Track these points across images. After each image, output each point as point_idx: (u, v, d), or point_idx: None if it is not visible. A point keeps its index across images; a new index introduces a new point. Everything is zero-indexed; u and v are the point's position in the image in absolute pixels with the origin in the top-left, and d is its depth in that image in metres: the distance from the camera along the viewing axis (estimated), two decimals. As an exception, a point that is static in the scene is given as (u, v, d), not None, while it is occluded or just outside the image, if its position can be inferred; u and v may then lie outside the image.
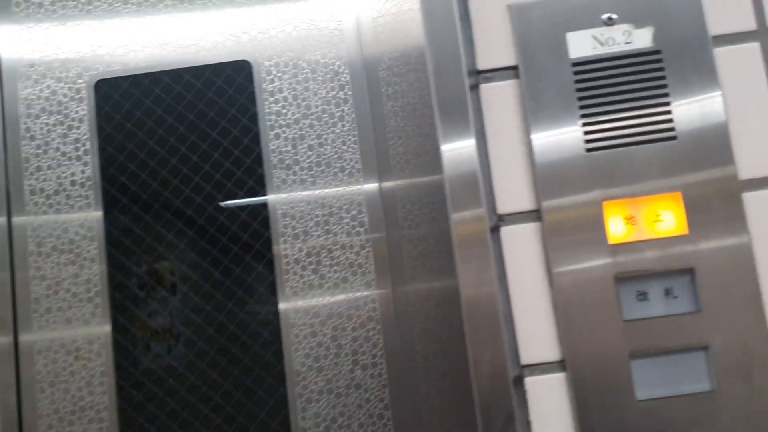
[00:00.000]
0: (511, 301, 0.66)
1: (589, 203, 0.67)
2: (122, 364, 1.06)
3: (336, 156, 1.18)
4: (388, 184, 1.05)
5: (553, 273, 0.66)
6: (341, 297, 1.14)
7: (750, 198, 0.66)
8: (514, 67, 0.69)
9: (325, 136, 1.22)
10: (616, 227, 0.66)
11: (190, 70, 1.19)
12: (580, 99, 0.68)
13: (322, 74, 1.21)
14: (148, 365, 1.13)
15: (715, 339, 0.64)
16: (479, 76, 0.69)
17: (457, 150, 0.67)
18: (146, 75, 1.15)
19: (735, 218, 0.66)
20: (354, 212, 1.12)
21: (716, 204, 0.66)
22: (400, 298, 1.09)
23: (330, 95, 1.20)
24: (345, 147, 1.19)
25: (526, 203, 0.68)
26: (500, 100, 0.69)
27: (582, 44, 0.68)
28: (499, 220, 0.68)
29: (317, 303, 1.15)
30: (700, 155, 0.67)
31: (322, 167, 1.19)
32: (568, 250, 0.66)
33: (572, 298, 0.66)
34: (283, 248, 1.18)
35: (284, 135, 1.24)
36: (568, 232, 0.67)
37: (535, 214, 0.68)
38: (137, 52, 1.06)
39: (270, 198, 1.20)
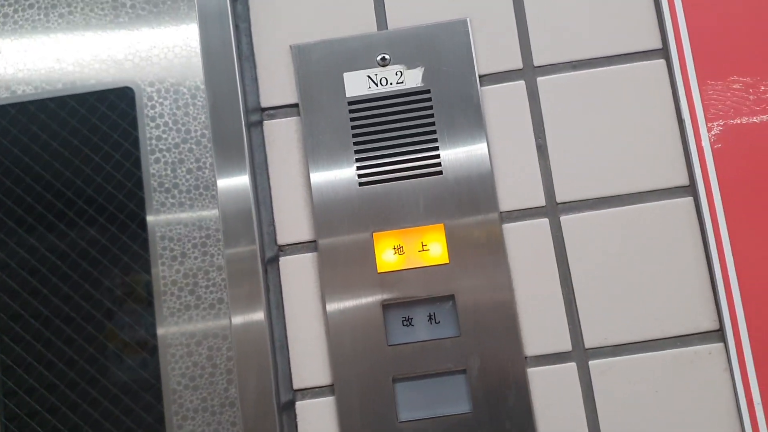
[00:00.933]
0: (287, 327, 0.70)
1: (360, 234, 0.70)
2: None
3: (214, 179, 1.22)
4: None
5: (327, 300, 0.70)
6: (217, 318, 1.17)
7: (509, 229, 0.70)
8: (295, 105, 0.73)
9: (203, 160, 1.25)
10: (385, 257, 0.70)
11: (75, 97, 1.21)
12: (355, 136, 0.72)
13: (201, 100, 1.24)
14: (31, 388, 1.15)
15: (473, 362, 0.68)
16: (263, 113, 0.73)
17: (232, 185, 0.71)
18: (32, 102, 1.17)
19: (495, 247, 0.69)
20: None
21: (477, 234, 0.70)
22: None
23: (209, 120, 1.23)
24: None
25: (304, 234, 0.72)
26: (282, 136, 0.73)
27: (358, 84, 0.72)
28: (279, 251, 0.71)
29: (193, 324, 1.18)
30: (463, 189, 0.70)
31: (201, 190, 1.22)
32: (341, 278, 0.70)
33: (343, 325, 0.69)
34: (161, 270, 1.21)
35: (164, 159, 1.27)
36: (341, 262, 0.70)
37: (313, 245, 0.71)
38: (24, 78, 1.09)
39: (149, 219, 1.22)
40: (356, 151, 0.72)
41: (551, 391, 0.67)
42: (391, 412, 0.68)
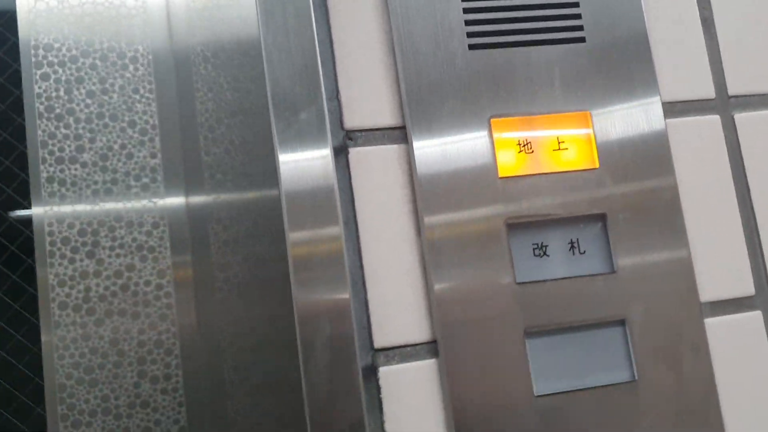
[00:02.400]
0: (362, 256, 0.44)
1: (471, 119, 0.47)
2: None
3: (125, 107, 0.92)
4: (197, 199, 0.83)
5: (423, 216, 0.45)
6: (125, 289, 0.87)
7: (674, 125, 0.49)
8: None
9: (110, 80, 0.97)
10: (507, 156, 0.47)
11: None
12: (463, -22, 0.48)
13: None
14: None
15: (635, 309, 0.46)
16: None
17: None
18: None
19: (658, 146, 0.48)
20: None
21: (635, 128, 0.48)
22: (204, 294, 0.85)
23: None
24: (137, 96, 0.94)
25: (386, 116, 0.47)
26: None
27: None
28: (347, 138, 0.46)
29: (92, 297, 0.88)
30: (614, 65, 0.49)
31: (106, 120, 0.93)
32: (444, 183, 0.46)
33: (448, 252, 0.45)
34: (48, 223, 0.89)
35: (55, 75, 0.97)
36: (444, 159, 0.46)
37: (400, 133, 0.47)
38: None
39: (31, 153, 0.91)
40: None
41: (735, 349, 0.47)
42: (524, 381, 0.44)
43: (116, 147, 0.92)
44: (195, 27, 0.79)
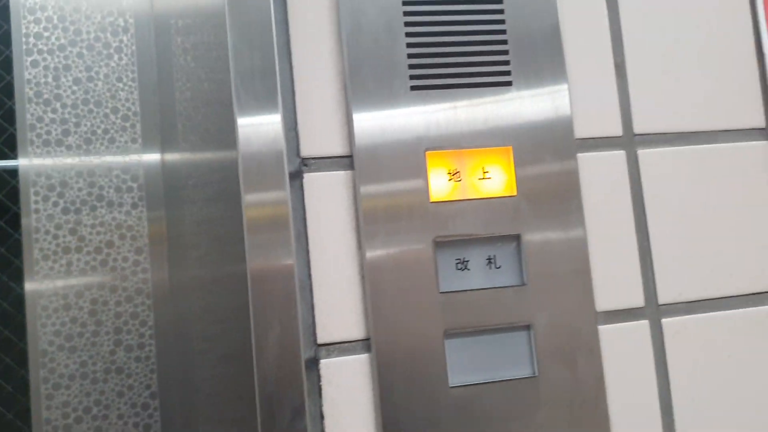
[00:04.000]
0: (311, 265, 0.53)
1: (408, 152, 0.55)
2: None
3: (109, 94, 0.99)
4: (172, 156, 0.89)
5: (363, 233, 0.53)
6: (104, 264, 0.95)
7: (584, 159, 0.58)
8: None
9: (96, 69, 1.03)
10: (439, 182, 0.55)
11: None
12: (408, 35, 0.56)
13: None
14: None
15: (539, 317, 0.55)
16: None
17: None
18: None
19: (568, 177, 0.57)
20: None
21: (549, 161, 0.57)
22: (178, 269, 0.92)
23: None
24: (121, 84, 1.00)
25: (336, 147, 0.54)
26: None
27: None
28: (303, 165, 0.54)
29: (74, 271, 0.95)
30: (536, 105, 0.57)
31: (90, 106, 0.99)
32: (383, 205, 0.54)
33: (384, 265, 0.53)
34: (34, 202, 0.96)
35: (44, 63, 1.03)
36: (384, 182, 0.54)
37: (347, 161, 0.55)
38: None
39: (20, 137, 0.97)
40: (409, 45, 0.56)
41: (623, 352, 0.57)
42: (441, 374, 0.53)
43: (99, 131, 0.98)
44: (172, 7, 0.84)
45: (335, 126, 0.54)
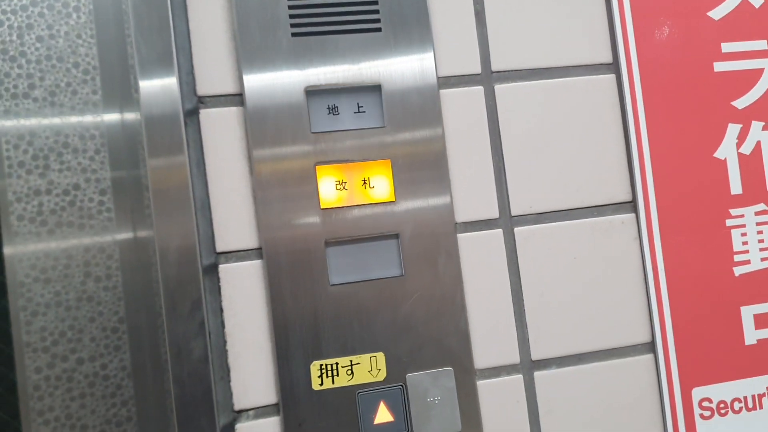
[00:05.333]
0: (209, 187, 0.64)
1: (291, 89, 0.65)
2: None
3: (70, 51, 1.08)
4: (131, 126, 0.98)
5: (254, 159, 0.64)
6: (72, 205, 1.06)
7: (446, 95, 0.68)
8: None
9: (57, 27, 1.11)
10: (318, 116, 0.66)
11: None
12: (288, -18, 0.66)
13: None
14: None
15: (405, 228, 0.66)
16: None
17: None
18: None
19: (432, 108, 0.67)
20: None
21: (415, 95, 0.67)
22: (136, 204, 1.03)
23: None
24: (80, 41, 1.09)
25: (227, 85, 0.65)
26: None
27: (292, -75, 0.66)
28: (200, 102, 0.64)
29: (45, 211, 1.06)
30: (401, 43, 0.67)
31: (53, 62, 1.09)
32: (271, 135, 0.65)
33: (273, 185, 0.65)
34: (5, 150, 1.07)
35: (8, 23, 1.12)
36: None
37: (238, 99, 0.65)
38: None
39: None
40: (289, 0, 0.66)
41: (479, 256, 0.68)
42: (322, 275, 0.65)
43: (62, 85, 1.08)
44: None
45: (227, 69, 0.65)
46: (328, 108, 0.67)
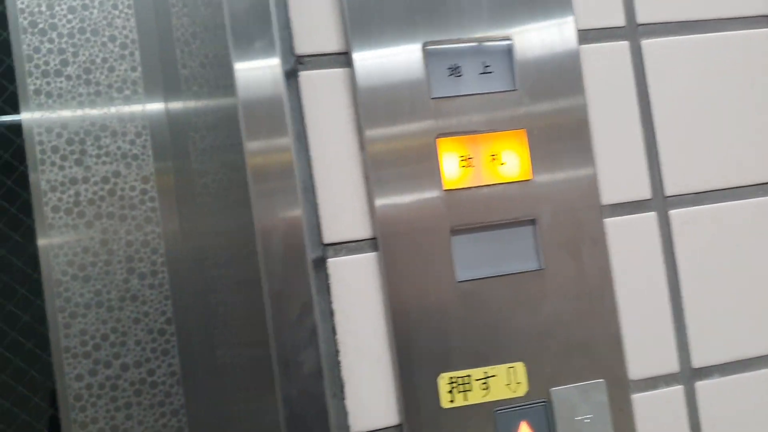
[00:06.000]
0: (312, 166, 0.53)
1: (407, 41, 0.54)
2: None
3: (107, 22, 0.97)
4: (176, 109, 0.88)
5: (364, 131, 0.53)
6: (112, 194, 0.95)
7: (587, 50, 0.57)
8: None
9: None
10: (438, 79, 0.54)
11: None
12: None
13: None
14: None
15: (543, 211, 0.55)
16: None
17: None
18: None
19: (571, 66, 0.56)
20: None
21: (551, 52, 0.56)
22: (184, 193, 0.92)
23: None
24: (116, 11, 0.98)
25: (332, 43, 0.53)
26: None
27: None
28: (298, 63, 0.53)
29: (82, 202, 0.95)
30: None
31: (87, 35, 0.98)
32: (383, 101, 0.53)
33: (387, 164, 0.53)
34: (38, 134, 0.96)
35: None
36: (383, 78, 0.53)
37: (344, 58, 0.54)
38: None
39: (19, 69, 0.97)
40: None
41: (629, 244, 0.57)
42: (447, 270, 0.54)
43: (98, 60, 0.97)
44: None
45: (331, 22, 0.53)
46: (450, 69, 0.55)
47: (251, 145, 0.49)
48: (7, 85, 0.99)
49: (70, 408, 0.98)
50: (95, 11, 0.99)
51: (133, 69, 1.00)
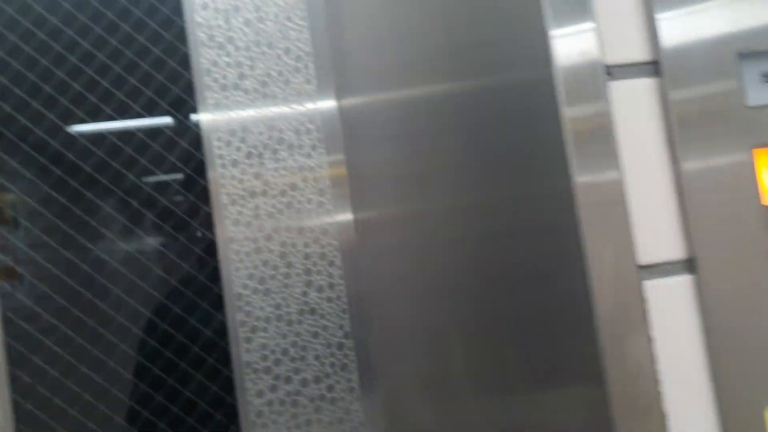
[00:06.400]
0: (623, 181, 0.49)
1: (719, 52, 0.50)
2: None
3: (280, 34, 0.96)
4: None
5: (677, 143, 0.49)
6: (290, 207, 0.94)
7: None
8: None
9: (265, 9, 1.00)
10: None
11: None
12: None
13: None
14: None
15: None
16: None
17: None
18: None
19: None
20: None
21: None
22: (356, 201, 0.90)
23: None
24: (291, 24, 0.97)
25: (641, 52, 0.50)
26: None
27: None
28: (607, 73, 0.49)
29: (261, 215, 0.94)
30: None
31: (263, 48, 0.97)
32: (695, 112, 0.49)
33: (700, 177, 0.49)
34: (217, 147, 0.95)
35: (214, 5, 1.01)
36: (694, 88, 0.50)
37: (653, 68, 0.50)
38: None
39: (196, 80, 0.96)
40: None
41: None
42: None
43: (274, 74, 0.96)
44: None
45: (638, 29, 0.50)
46: (764, 75, 0.51)
47: (580, 172, 0.46)
48: (187, 98, 0.99)
49: (251, 425, 0.97)
50: (270, 23, 0.98)
51: (308, 81, 0.99)
